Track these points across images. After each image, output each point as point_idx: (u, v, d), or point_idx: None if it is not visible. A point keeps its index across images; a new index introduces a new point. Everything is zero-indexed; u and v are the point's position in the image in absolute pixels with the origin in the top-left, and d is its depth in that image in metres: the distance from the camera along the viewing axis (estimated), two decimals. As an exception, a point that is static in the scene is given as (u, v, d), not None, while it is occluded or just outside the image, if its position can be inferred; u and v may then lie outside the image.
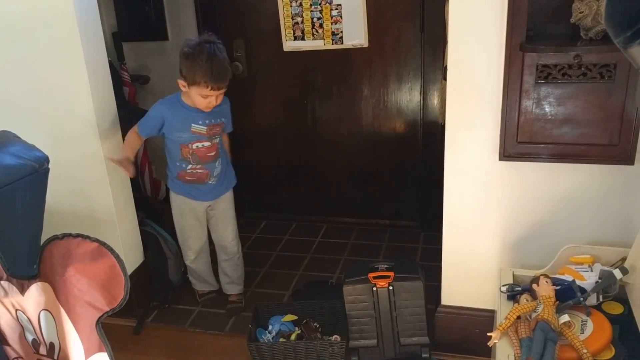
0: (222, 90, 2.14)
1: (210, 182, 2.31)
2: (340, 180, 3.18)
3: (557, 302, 1.55)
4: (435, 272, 2.14)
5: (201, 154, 2.24)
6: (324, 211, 3.27)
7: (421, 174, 3.00)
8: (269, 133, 3.19)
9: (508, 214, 1.90)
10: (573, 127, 1.65)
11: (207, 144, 2.23)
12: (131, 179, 2.48)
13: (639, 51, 1.03)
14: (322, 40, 2.84)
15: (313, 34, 2.84)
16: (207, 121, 2.21)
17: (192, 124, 2.20)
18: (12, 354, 1.47)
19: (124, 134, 2.38)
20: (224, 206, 2.44)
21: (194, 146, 2.22)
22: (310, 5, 2.80)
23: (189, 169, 2.26)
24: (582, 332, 1.52)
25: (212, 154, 2.26)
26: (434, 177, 2.50)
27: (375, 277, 2.01)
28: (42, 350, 1.43)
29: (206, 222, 2.45)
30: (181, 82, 2.16)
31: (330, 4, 2.77)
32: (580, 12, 1.54)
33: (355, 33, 2.80)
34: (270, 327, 2.22)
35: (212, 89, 2.09)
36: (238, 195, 3.36)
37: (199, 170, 2.27)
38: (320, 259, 2.93)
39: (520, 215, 1.89)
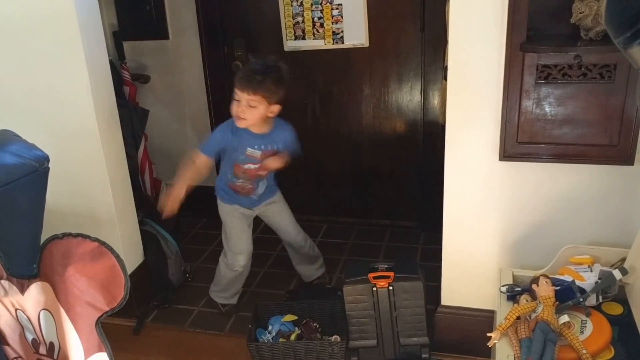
0: (249, 98, 2.10)
1: (254, 196, 2.38)
2: (340, 180, 3.18)
3: (557, 302, 1.56)
4: (435, 272, 2.14)
5: (252, 173, 2.29)
6: (324, 211, 3.27)
7: (421, 174, 3.00)
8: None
9: (508, 214, 1.90)
10: (573, 127, 1.65)
11: (257, 165, 2.27)
12: (131, 179, 2.48)
13: (639, 52, 1.03)
14: (323, 40, 2.84)
15: (314, 34, 2.84)
16: (262, 146, 2.24)
17: (248, 147, 2.23)
18: (12, 354, 1.47)
19: (124, 134, 2.37)
20: (274, 208, 2.48)
21: (246, 167, 2.26)
22: (311, 4, 2.80)
23: (239, 182, 2.33)
24: (582, 332, 1.52)
25: (263, 173, 2.31)
26: (434, 177, 2.50)
27: (375, 277, 2.01)
28: (42, 349, 1.43)
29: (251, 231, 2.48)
30: None
31: (331, 3, 2.77)
32: (580, 13, 1.54)
33: (355, 33, 2.80)
34: (270, 327, 2.22)
35: (237, 89, 2.11)
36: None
37: (247, 185, 2.33)
38: (320, 259, 2.93)
39: (520, 215, 1.89)
